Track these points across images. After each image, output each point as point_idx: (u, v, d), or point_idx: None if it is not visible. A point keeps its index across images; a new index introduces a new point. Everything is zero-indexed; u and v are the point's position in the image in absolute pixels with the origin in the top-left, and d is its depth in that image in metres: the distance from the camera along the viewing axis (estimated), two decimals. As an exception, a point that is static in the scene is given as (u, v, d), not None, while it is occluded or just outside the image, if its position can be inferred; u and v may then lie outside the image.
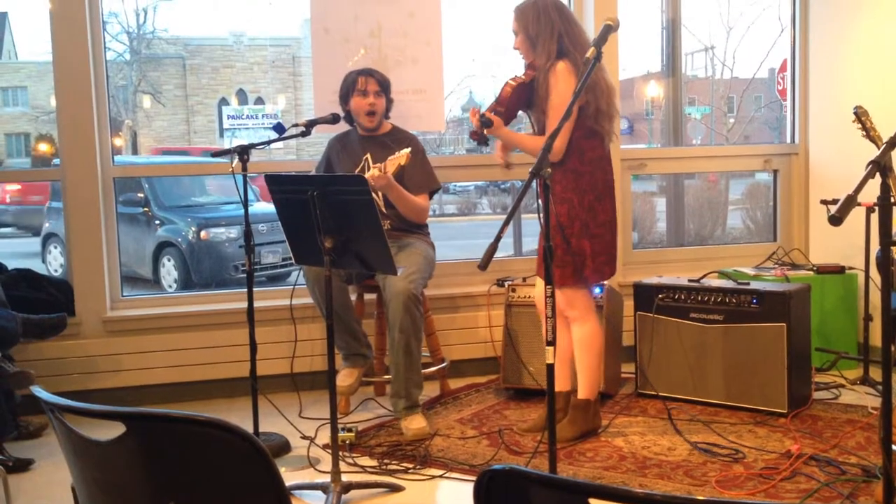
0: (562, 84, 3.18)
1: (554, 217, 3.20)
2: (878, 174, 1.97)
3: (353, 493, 2.86)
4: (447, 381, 4.09)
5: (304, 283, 3.56)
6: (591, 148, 3.28)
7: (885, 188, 1.97)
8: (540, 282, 3.45)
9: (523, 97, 3.33)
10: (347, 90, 3.85)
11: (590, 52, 2.66)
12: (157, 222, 8.48)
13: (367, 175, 3.50)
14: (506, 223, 2.41)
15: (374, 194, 3.48)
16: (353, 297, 3.85)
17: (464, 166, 4.97)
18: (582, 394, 3.37)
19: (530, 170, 2.47)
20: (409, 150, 3.40)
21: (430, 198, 3.86)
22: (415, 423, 3.41)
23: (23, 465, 3.25)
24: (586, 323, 3.36)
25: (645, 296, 3.88)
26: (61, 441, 1.23)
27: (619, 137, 4.15)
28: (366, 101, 3.80)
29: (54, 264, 9.17)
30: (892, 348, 2.15)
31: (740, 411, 3.61)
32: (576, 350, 3.39)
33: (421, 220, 3.83)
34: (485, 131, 3.25)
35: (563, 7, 3.34)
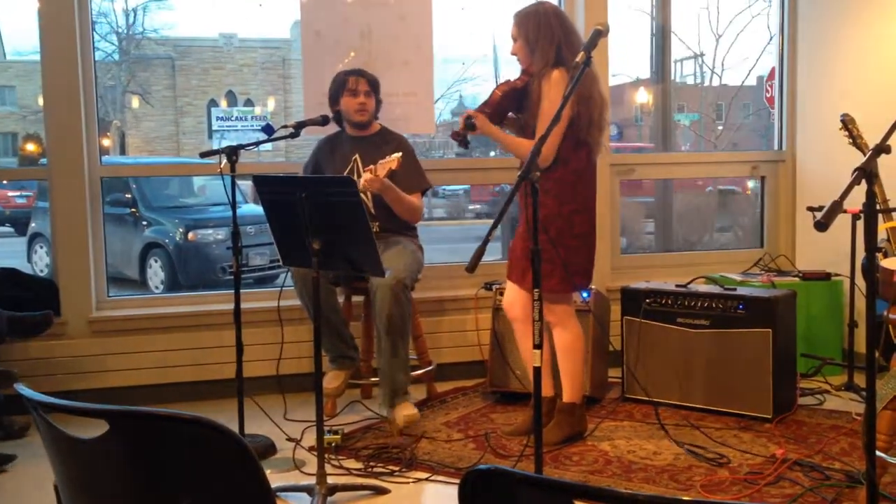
0: (554, 91, 3.17)
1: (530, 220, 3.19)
2: (864, 181, 1.98)
3: (339, 495, 2.85)
4: (434, 384, 4.08)
5: (291, 284, 3.55)
6: (577, 159, 3.27)
7: (870, 195, 1.98)
8: (511, 287, 3.44)
9: (513, 101, 3.34)
10: (337, 90, 3.85)
11: (579, 57, 2.66)
12: (145, 223, 8.44)
13: (360, 180, 3.50)
14: (493, 226, 2.41)
15: (363, 195, 3.48)
16: (341, 300, 3.84)
17: (453, 169, 4.98)
18: (567, 397, 3.37)
19: (518, 174, 2.48)
20: (399, 154, 3.41)
21: (422, 196, 3.87)
22: (405, 410, 3.41)
23: (3, 461, 3.23)
24: (567, 327, 3.35)
25: (632, 300, 3.89)
26: (44, 439, 1.22)
27: (609, 149, 4.16)
28: (356, 100, 3.80)
29: (40, 264, 9.11)
30: (876, 355, 2.16)
31: (725, 416, 3.62)
32: (559, 355, 3.38)
33: (415, 219, 3.83)
34: (468, 134, 3.25)
35: (564, 16, 3.35)
